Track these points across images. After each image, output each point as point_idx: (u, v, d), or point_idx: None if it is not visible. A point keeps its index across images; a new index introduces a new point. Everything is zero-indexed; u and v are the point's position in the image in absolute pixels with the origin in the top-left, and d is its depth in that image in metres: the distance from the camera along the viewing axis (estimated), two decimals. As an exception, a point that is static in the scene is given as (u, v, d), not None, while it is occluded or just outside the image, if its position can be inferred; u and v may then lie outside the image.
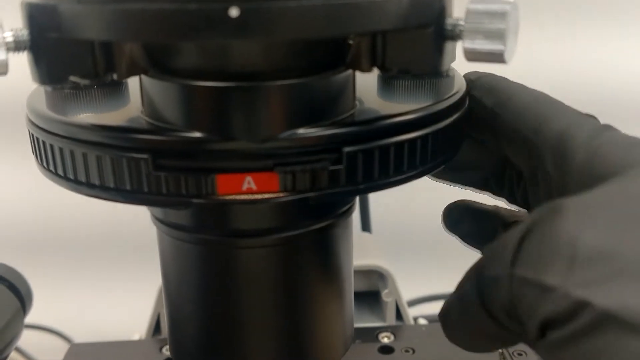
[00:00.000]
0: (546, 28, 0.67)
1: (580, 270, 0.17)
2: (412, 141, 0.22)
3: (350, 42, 0.22)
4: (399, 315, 0.51)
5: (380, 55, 0.21)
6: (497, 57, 0.20)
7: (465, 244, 0.30)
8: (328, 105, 0.22)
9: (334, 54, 0.22)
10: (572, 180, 0.21)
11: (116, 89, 0.24)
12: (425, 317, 0.55)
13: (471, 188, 0.30)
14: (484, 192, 0.29)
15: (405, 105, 0.22)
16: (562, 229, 0.18)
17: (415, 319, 0.54)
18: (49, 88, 0.24)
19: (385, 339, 0.45)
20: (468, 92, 0.25)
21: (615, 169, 0.20)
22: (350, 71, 0.22)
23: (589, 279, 0.17)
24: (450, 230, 0.31)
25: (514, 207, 0.29)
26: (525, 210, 0.27)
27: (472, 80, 0.26)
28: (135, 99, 0.23)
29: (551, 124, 0.23)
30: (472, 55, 0.20)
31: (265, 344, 0.25)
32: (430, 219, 0.66)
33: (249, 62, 0.21)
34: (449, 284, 0.65)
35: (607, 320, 0.16)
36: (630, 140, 0.21)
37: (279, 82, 0.21)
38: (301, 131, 0.21)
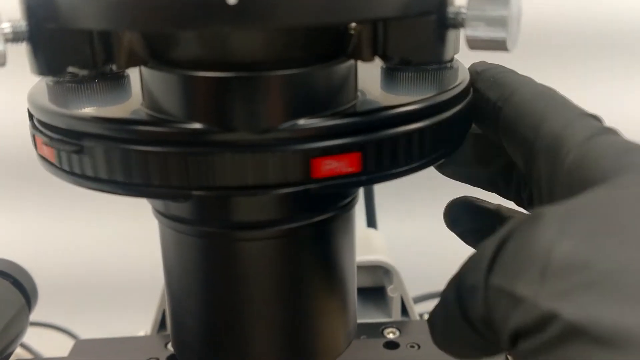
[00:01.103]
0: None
1: (551, 281, 0.16)
2: (414, 132, 0.22)
3: (352, 31, 0.22)
4: (404, 311, 0.51)
5: (381, 44, 0.21)
6: (500, 45, 0.19)
7: (464, 242, 0.30)
8: (329, 95, 0.22)
9: (335, 44, 0.22)
10: (559, 184, 0.20)
11: (118, 83, 0.24)
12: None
13: (480, 188, 0.29)
14: (493, 192, 0.29)
15: (408, 97, 0.22)
16: (537, 238, 0.17)
17: (421, 315, 0.53)
18: (49, 81, 0.24)
19: (391, 334, 0.45)
20: (472, 84, 0.25)
21: (604, 175, 0.19)
22: (351, 61, 0.22)
23: (560, 290, 0.16)
24: (450, 227, 0.30)
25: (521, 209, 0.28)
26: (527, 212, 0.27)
27: (478, 72, 0.25)
28: (138, 92, 0.23)
29: (549, 122, 0.21)
30: (475, 43, 0.20)
31: (266, 337, 0.25)
32: (438, 217, 0.67)
33: (249, 51, 0.21)
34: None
35: (575, 333, 0.15)
36: (627, 145, 0.20)
37: (280, 72, 0.20)
38: (302, 122, 0.21)
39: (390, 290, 0.50)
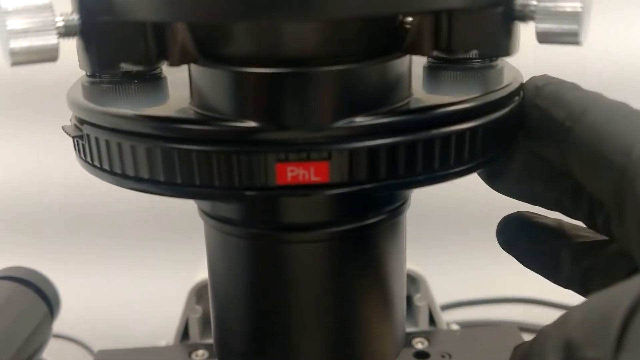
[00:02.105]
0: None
1: None
2: (473, 130, 0.21)
3: (407, 25, 0.21)
4: (431, 320, 0.50)
5: (445, 37, 0.20)
6: (572, 38, 0.19)
7: (523, 265, 0.27)
8: (385, 92, 0.21)
9: (390, 39, 0.21)
10: None
11: (156, 84, 0.24)
12: (458, 323, 0.53)
13: (540, 207, 0.26)
14: (557, 212, 0.26)
15: (454, 97, 0.21)
16: None
17: (447, 324, 0.53)
18: (86, 82, 0.24)
19: (419, 344, 0.44)
20: (530, 99, 0.24)
21: None
22: (407, 56, 0.22)
23: None
24: (505, 248, 0.27)
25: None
26: (597, 234, 0.24)
27: (538, 86, 0.23)
28: (174, 95, 0.23)
29: None
30: (545, 37, 0.19)
31: (313, 343, 0.24)
32: (465, 220, 0.66)
33: (303, 46, 0.20)
34: (481, 289, 0.64)
35: None
36: None
37: (334, 67, 0.20)
38: (358, 119, 0.20)
39: (417, 299, 0.49)
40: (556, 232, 0.26)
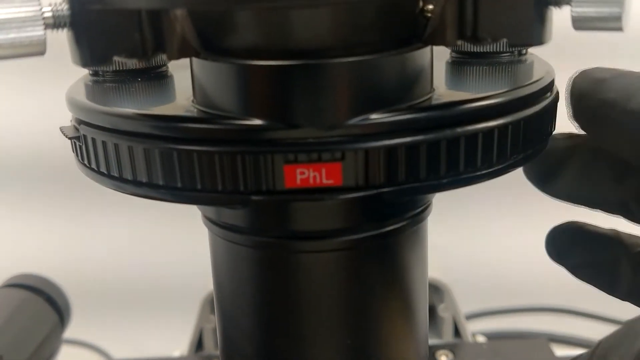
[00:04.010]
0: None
1: None
2: (503, 128, 0.19)
3: (428, 13, 0.19)
4: (455, 331, 0.48)
5: (470, 24, 0.18)
6: (613, 23, 0.17)
7: (577, 277, 0.26)
8: (404, 87, 0.19)
9: (409, 29, 0.20)
10: None
11: (161, 82, 0.23)
12: (483, 333, 0.51)
13: (603, 212, 0.25)
14: (622, 217, 0.24)
15: (481, 94, 0.20)
16: None
17: (473, 336, 0.50)
18: (89, 81, 0.22)
19: (444, 357, 0.43)
20: (592, 93, 0.22)
21: None
22: (429, 47, 0.20)
23: None
24: (556, 260, 0.26)
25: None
26: None
27: (600, 80, 0.21)
28: (182, 94, 0.21)
29: None
30: (581, 23, 0.17)
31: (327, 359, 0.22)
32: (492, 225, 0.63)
33: (313, 36, 0.18)
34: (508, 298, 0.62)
35: None
36: None
37: (350, 59, 0.18)
38: (374, 116, 0.18)
39: (441, 310, 0.47)
40: (613, 241, 0.25)
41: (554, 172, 0.25)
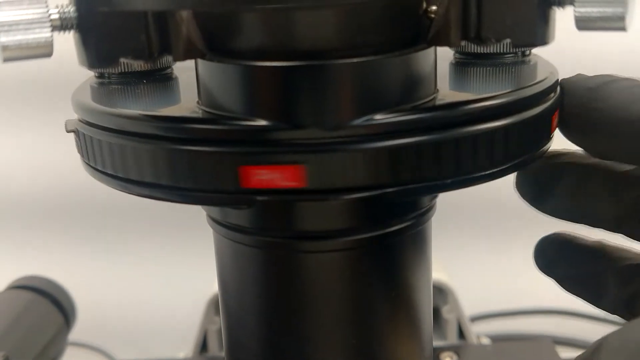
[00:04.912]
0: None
1: None
2: (507, 128, 0.19)
3: (432, 15, 0.19)
4: (459, 333, 0.48)
5: (474, 24, 0.19)
6: (616, 23, 0.17)
7: (564, 289, 0.25)
8: (408, 87, 0.19)
9: (413, 30, 0.20)
10: None
11: (166, 85, 0.23)
12: (488, 336, 0.51)
13: (600, 229, 0.24)
14: (619, 233, 0.23)
15: (484, 94, 0.20)
16: None
17: (477, 338, 0.50)
18: (94, 84, 0.23)
19: (448, 358, 0.43)
20: (587, 101, 0.22)
21: None
22: (432, 48, 0.20)
23: None
24: (544, 271, 0.26)
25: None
26: None
27: (592, 88, 0.21)
28: (187, 96, 0.21)
29: None
30: (585, 23, 0.17)
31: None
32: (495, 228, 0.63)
33: (318, 37, 0.18)
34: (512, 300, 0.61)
35: None
36: None
37: (355, 60, 0.18)
38: (378, 117, 0.18)
39: (446, 311, 0.47)
40: (599, 254, 0.24)
41: (547, 189, 0.24)
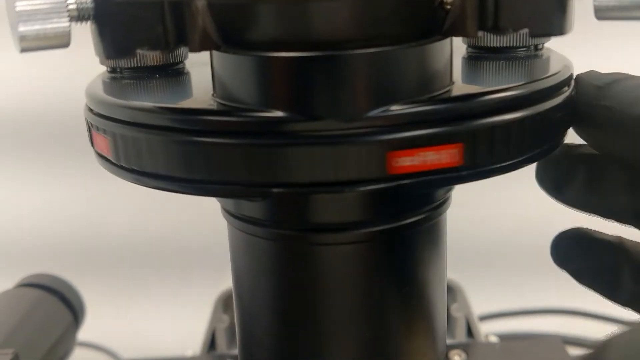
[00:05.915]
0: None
1: None
2: (522, 120, 0.19)
3: (448, 6, 0.19)
4: (468, 331, 0.48)
5: (491, 14, 0.19)
6: (635, 12, 0.17)
7: (579, 282, 0.26)
8: (424, 78, 0.19)
9: (429, 21, 0.20)
10: None
11: (179, 79, 0.23)
12: (496, 335, 0.51)
13: (616, 222, 0.24)
14: (634, 227, 0.24)
15: (498, 86, 0.20)
16: None
17: (486, 336, 0.50)
18: (106, 78, 0.23)
19: (457, 357, 0.42)
20: (593, 100, 0.22)
21: None
22: (448, 40, 0.20)
23: None
24: (560, 265, 0.26)
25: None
26: None
27: (600, 86, 0.21)
28: (200, 89, 0.21)
29: None
30: (603, 13, 0.17)
31: (347, 356, 0.22)
32: (504, 228, 0.63)
33: (334, 28, 0.18)
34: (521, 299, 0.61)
35: None
36: None
37: (371, 50, 0.18)
38: (394, 108, 0.18)
39: (454, 310, 0.47)
40: (617, 248, 0.25)
41: (566, 180, 0.24)
